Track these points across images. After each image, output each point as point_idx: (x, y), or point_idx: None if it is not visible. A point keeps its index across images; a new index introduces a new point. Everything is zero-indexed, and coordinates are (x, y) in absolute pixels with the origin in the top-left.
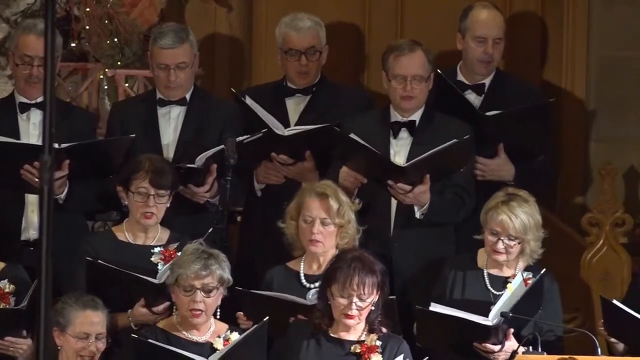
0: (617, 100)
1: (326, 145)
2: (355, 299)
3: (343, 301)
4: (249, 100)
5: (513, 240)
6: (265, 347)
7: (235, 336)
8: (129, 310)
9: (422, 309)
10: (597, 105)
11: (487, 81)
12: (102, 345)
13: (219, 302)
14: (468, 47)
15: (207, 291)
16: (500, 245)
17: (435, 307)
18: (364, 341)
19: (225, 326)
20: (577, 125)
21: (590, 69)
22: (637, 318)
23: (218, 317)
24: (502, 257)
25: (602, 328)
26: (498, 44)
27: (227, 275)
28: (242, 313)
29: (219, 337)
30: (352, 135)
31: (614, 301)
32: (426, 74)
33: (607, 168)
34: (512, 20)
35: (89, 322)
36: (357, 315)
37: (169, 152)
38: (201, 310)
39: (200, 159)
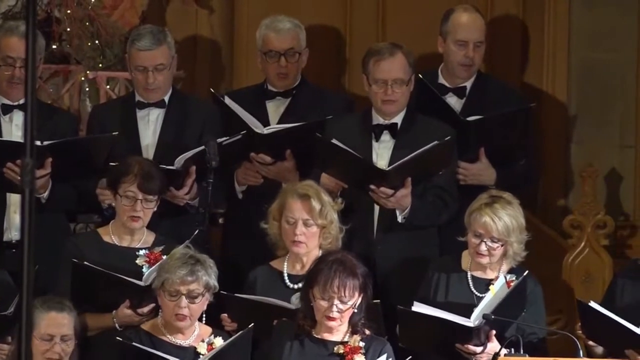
0: (598, 102)
1: (307, 145)
2: (336, 301)
3: (324, 303)
4: (227, 100)
5: (496, 242)
6: (249, 353)
7: (219, 341)
8: (114, 311)
9: (404, 309)
10: (578, 108)
11: (468, 84)
12: (67, 347)
13: (205, 308)
14: (449, 51)
15: (193, 297)
16: (483, 247)
17: (417, 308)
18: (347, 342)
19: (209, 330)
20: (558, 127)
21: (572, 72)
22: (614, 320)
23: (204, 321)
24: (484, 260)
25: (580, 332)
26: (479, 48)
27: (213, 281)
28: (226, 315)
29: (202, 341)
30: (334, 141)
31: (591, 303)
32: (407, 77)
33: (589, 170)
34: (494, 23)
35: (54, 324)
36: (338, 318)
37: (149, 155)
38: (186, 316)
39: (179, 161)
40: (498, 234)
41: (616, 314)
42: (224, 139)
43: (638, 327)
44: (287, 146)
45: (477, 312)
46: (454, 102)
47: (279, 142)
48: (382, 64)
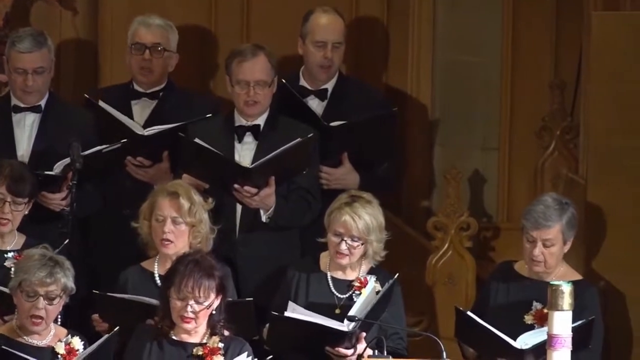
0: (462, 105)
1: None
2: (191, 302)
3: (179, 303)
4: (102, 103)
5: (356, 241)
6: (111, 357)
7: (76, 340)
8: None
9: (278, 316)
10: (442, 110)
11: (329, 86)
12: None
13: (60, 310)
14: (308, 52)
15: (50, 299)
16: (344, 246)
17: (290, 313)
18: (206, 343)
19: (64, 331)
20: (422, 129)
21: (435, 74)
22: (490, 330)
23: (59, 322)
24: (345, 260)
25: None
26: (337, 49)
27: (71, 283)
28: (97, 315)
29: (60, 341)
30: (197, 140)
31: (469, 312)
32: (269, 79)
33: (452, 172)
34: (358, 25)
35: None
36: (193, 319)
37: (24, 160)
38: (41, 318)
39: (59, 166)
40: (358, 232)
41: (490, 316)
42: (104, 146)
43: (511, 332)
44: (164, 147)
45: (351, 315)
46: (316, 104)
47: (158, 143)
48: (245, 65)
